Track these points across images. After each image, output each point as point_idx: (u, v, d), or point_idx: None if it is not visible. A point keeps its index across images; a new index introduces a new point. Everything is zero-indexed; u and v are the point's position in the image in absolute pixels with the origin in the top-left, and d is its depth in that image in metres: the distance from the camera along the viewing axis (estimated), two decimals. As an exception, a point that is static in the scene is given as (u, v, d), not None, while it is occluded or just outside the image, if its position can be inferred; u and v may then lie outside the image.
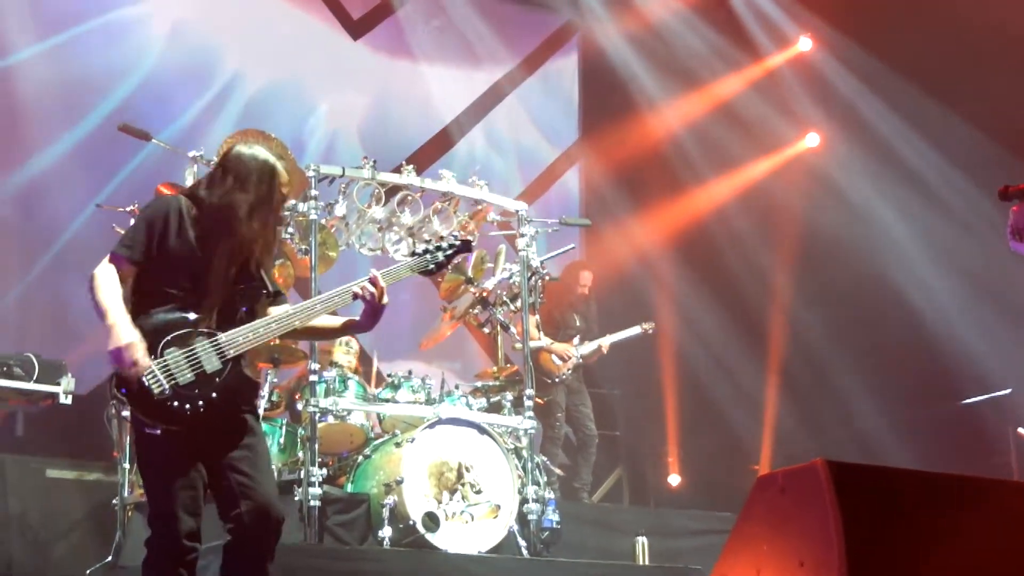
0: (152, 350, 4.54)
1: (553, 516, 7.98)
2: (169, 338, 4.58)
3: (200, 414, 4.55)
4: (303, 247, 8.05)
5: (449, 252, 5.15)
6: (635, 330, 10.99)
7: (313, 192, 7.91)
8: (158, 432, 4.54)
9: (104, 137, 10.12)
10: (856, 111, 12.04)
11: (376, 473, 7.67)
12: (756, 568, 4.21)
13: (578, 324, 10.68)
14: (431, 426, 7.67)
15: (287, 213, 8.04)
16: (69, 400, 7.95)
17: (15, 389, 7.63)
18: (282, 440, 8.03)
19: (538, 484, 8.00)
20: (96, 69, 10.88)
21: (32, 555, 8.04)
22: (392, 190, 8.34)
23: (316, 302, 4.91)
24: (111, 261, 4.69)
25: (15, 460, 8.41)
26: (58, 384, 7.85)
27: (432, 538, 7.24)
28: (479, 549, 7.36)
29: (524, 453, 8.03)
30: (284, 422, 8.22)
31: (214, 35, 11.65)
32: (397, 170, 8.43)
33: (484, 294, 8.82)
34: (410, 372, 8.41)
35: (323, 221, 8.12)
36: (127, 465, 7.84)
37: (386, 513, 7.25)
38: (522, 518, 7.75)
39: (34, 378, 7.72)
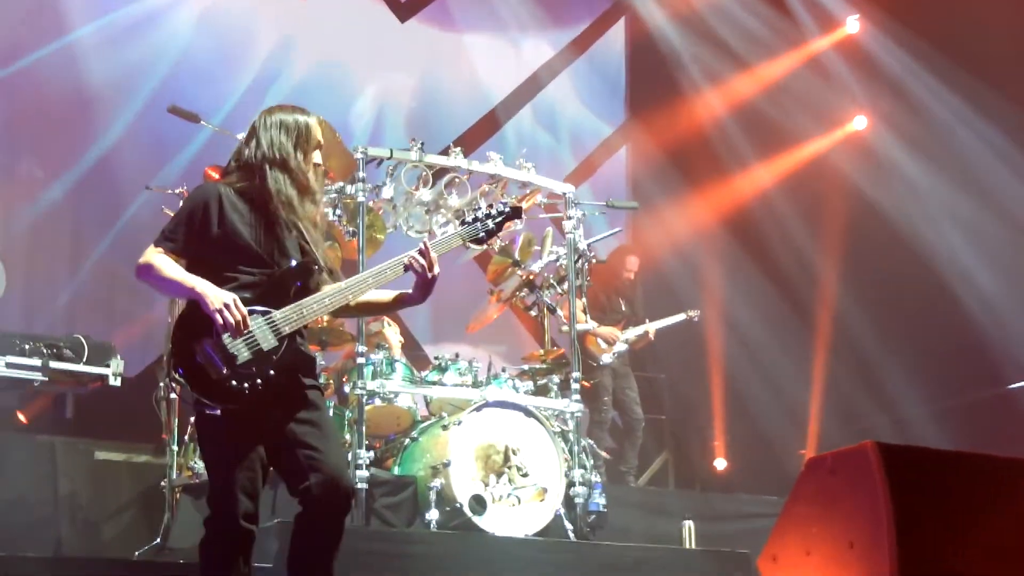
0: (206, 332, 4.54)
1: (600, 499, 7.98)
2: None
3: (259, 392, 4.54)
4: (351, 229, 8.06)
5: (499, 219, 5.09)
6: (680, 317, 10.94)
7: (361, 174, 7.93)
8: (218, 412, 4.54)
9: (155, 120, 10.16)
10: (905, 94, 11.91)
11: (423, 456, 7.68)
12: (806, 549, 4.20)
13: (623, 309, 10.65)
14: (478, 409, 7.67)
15: (334, 195, 8.06)
16: (118, 382, 8.01)
17: (65, 371, 7.68)
18: (330, 422, 8.04)
19: (584, 467, 7.99)
20: (144, 54, 10.94)
21: (81, 536, 8.11)
22: (439, 172, 8.35)
23: (368, 275, 4.87)
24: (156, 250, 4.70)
25: (64, 442, 8.48)
26: (107, 366, 7.90)
27: (479, 521, 7.24)
28: (526, 532, 7.36)
29: (571, 436, 8.01)
30: (332, 404, 8.21)
31: (261, 20, 11.69)
32: (444, 152, 8.42)
33: (531, 277, 8.79)
34: (457, 355, 8.41)
35: (371, 203, 8.13)
36: (175, 447, 7.88)
37: (433, 496, 7.27)
38: (568, 501, 7.73)
39: (84, 360, 7.76)
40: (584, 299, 9.14)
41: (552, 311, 8.90)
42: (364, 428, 7.46)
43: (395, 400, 8.03)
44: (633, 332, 10.50)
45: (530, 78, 13.14)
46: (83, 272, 10.39)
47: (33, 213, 10.22)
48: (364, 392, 7.59)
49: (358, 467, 7.26)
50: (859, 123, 12.74)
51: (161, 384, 8.04)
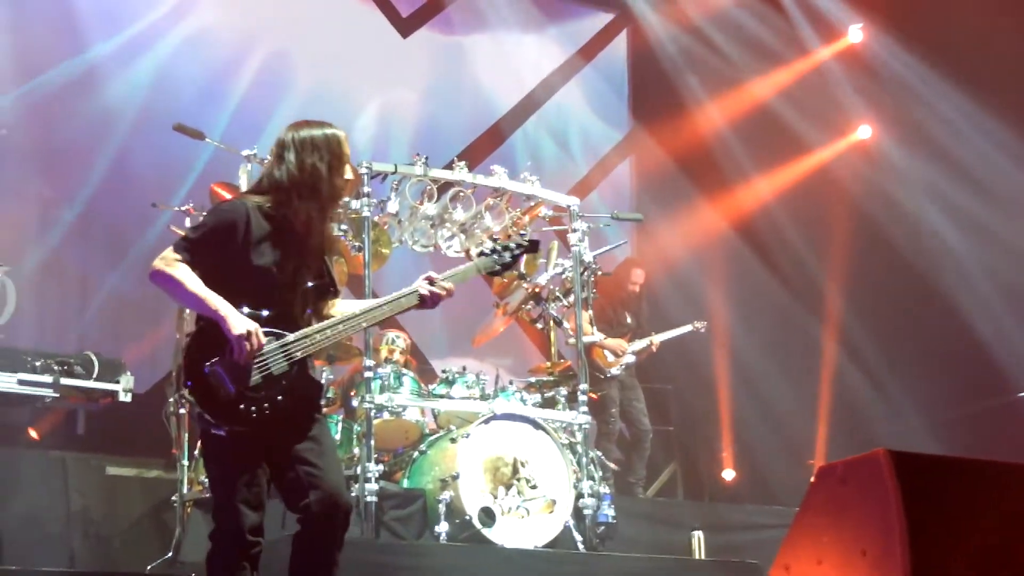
0: (219, 352, 4.56)
1: (608, 511, 7.98)
2: None
3: (266, 416, 4.56)
4: (356, 244, 8.08)
5: (517, 252, 5.15)
6: (686, 328, 10.97)
7: (366, 189, 7.95)
8: (223, 432, 4.57)
9: (161, 138, 10.18)
10: (909, 102, 11.92)
11: (432, 469, 7.70)
12: (817, 558, 4.20)
13: (629, 322, 10.66)
14: (486, 421, 7.69)
15: (339, 210, 8.08)
16: (128, 398, 8.04)
17: (76, 387, 7.71)
18: (338, 436, 8.05)
19: (593, 479, 8.00)
20: (150, 71, 10.98)
21: (94, 551, 8.15)
22: (444, 186, 8.37)
23: (384, 305, 4.91)
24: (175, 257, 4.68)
25: (76, 458, 8.54)
26: (117, 382, 7.93)
27: (488, 533, 7.26)
28: (535, 544, 7.38)
29: (579, 448, 8.03)
30: (339, 418, 8.24)
31: (263, 36, 11.71)
32: (449, 166, 8.45)
33: (537, 290, 8.82)
34: (464, 368, 8.43)
35: (376, 218, 8.15)
36: (186, 462, 7.91)
37: (442, 508, 7.28)
38: (577, 513, 7.75)
39: (94, 376, 7.80)
40: (591, 311, 9.16)
41: (558, 323, 8.92)
42: (372, 442, 7.48)
43: (403, 414, 8.05)
44: (639, 344, 10.51)
45: (533, 91, 13.16)
46: (92, 290, 10.41)
47: (43, 232, 10.26)
48: (372, 406, 7.61)
49: (367, 480, 7.27)
50: (863, 132, 12.77)
51: (171, 400, 8.08)
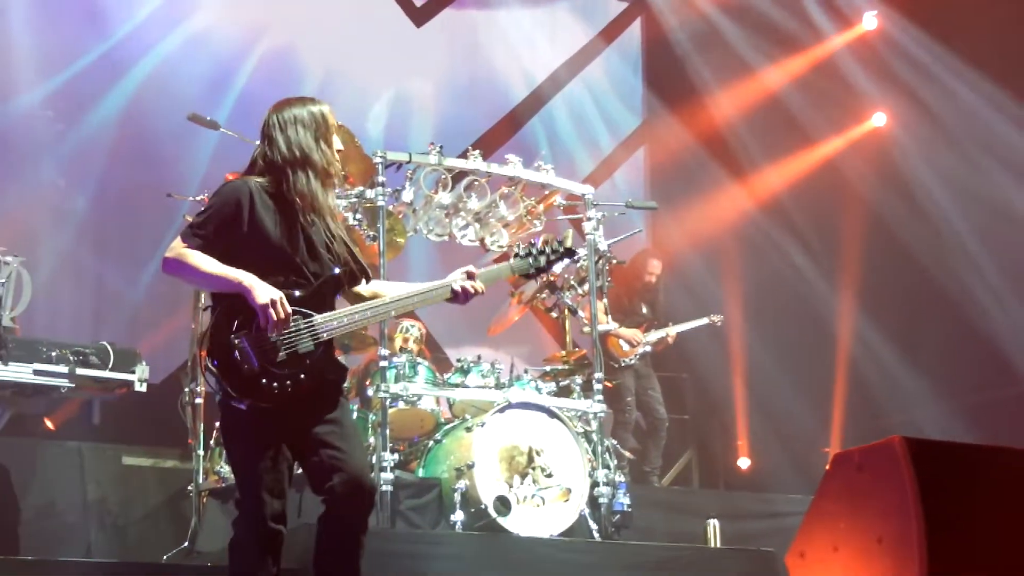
0: (246, 325, 4.55)
1: (624, 499, 7.97)
2: None
3: (288, 394, 4.54)
4: (371, 233, 8.07)
5: (552, 258, 5.15)
6: (703, 321, 10.98)
7: (380, 178, 7.94)
8: (244, 407, 4.55)
9: (174, 128, 10.18)
10: (924, 89, 11.86)
11: (447, 458, 7.70)
12: (834, 545, 4.20)
13: (644, 312, 10.64)
14: (501, 410, 7.68)
15: (354, 199, 8.08)
16: (144, 388, 8.05)
17: (91, 377, 7.70)
18: (353, 425, 8.06)
19: (608, 468, 8.00)
20: (164, 60, 11.01)
21: (110, 540, 8.19)
22: (459, 175, 8.36)
23: (415, 296, 4.93)
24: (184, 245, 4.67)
25: (92, 447, 8.57)
26: (133, 372, 7.93)
27: (504, 522, 7.25)
28: (550, 532, 7.37)
29: (594, 437, 8.03)
30: (355, 408, 8.25)
31: (276, 25, 11.71)
32: (463, 155, 8.44)
33: (552, 278, 8.81)
34: (479, 357, 8.43)
35: (390, 207, 8.14)
36: (201, 452, 7.94)
37: (458, 497, 7.29)
38: (593, 501, 7.75)
39: (109, 366, 7.80)
40: (606, 300, 9.15)
41: (573, 312, 8.91)
42: (388, 431, 7.48)
43: (418, 403, 8.05)
44: (655, 335, 10.50)
45: (547, 80, 13.15)
46: (108, 280, 10.44)
47: (59, 222, 10.28)
48: (388, 395, 7.61)
49: (383, 470, 7.28)
50: (878, 120, 12.71)
51: (186, 390, 8.10)
